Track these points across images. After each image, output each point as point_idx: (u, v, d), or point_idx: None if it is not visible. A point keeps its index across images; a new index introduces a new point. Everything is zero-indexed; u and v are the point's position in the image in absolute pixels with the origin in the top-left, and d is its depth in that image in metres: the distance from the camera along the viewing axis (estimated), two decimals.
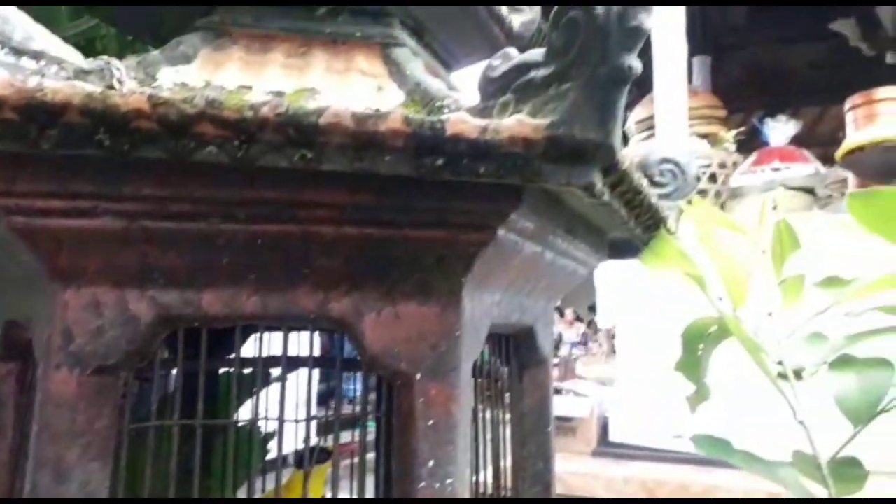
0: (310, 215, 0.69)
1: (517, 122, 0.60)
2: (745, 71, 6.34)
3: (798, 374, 0.90)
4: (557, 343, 9.71)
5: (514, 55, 0.69)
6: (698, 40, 5.02)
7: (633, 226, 0.87)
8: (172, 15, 0.93)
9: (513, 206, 0.68)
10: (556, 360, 9.03)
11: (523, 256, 0.81)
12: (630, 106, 4.39)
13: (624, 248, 1.09)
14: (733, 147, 3.54)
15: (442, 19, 0.99)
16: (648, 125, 3.47)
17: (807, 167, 3.19)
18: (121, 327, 0.70)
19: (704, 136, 3.51)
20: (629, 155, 0.80)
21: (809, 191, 3.24)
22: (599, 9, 0.58)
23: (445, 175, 0.61)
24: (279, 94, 0.78)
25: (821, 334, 0.94)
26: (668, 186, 1.13)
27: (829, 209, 3.35)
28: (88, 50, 1.87)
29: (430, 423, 0.71)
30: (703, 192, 3.30)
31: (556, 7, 0.63)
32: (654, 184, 1.13)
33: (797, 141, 4.85)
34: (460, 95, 0.79)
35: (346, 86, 0.83)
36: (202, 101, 0.58)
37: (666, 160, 1.14)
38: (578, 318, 10.27)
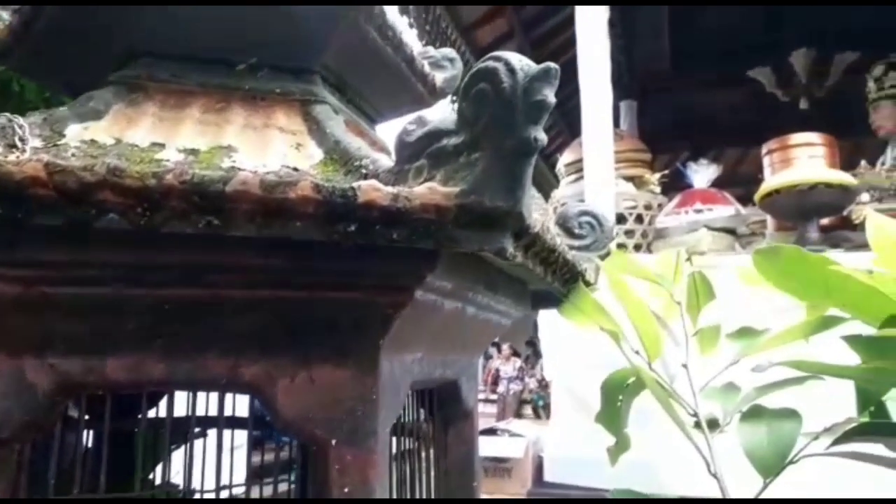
0: (220, 279, 0.67)
1: (429, 190, 0.61)
2: (670, 114, 6.62)
3: (713, 425, 0.92)
4: (495, 379, 9.73)
5: (429, 120, 0.70)
6: (625, 86, 5.22)
7: (550, 280, 0.89)
8: (85, 68, 0.91)
9: (429, 267, 0.68)
10: (494, 397, 9.00)
11: (444, 314, 0.81)
12: (560, 149, 4.52)
13: (546, 300, 1.11)
14: (658, 189, 3.67)
15: (363, 76, 1.00)
16: (577, 168, 3.56)
17: (727, 209, 3.33)
18: (16, 397, 0.66)
19: (631, 178, 3.63)
20: (545, 218, 0.81)
21: (731, 231, 3.38)
22: (506, 83, 0.60)
23: (358, 241, 0.61)
24: (193, 152, 0.77)
25: (734, 385, 0.97)
26: (587, 238, 1.16)
27: (751, 248, 3.50)
28: (3, 92, 1.80)
29: (346, 489, 0.70)
30: (630, 233, 3.40)
31: (465, 78, 0.65)
32: (573, 236, 1.16)
33: (721, 181, 5.06)
34: (379, 155, 0.79)
35: (264, 143, 0.83)
36: (103, 169, 0.56)
37: (584, 213, 1.17)
38: (515, 353, 10.34)
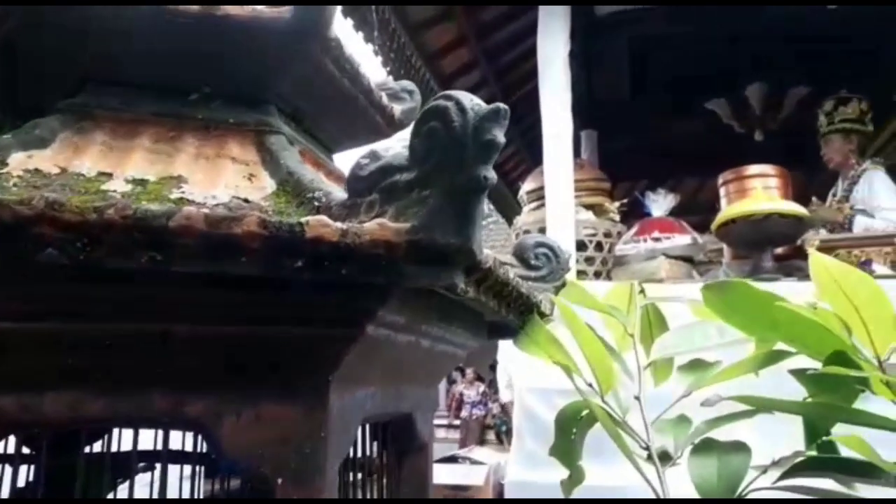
0: (164, 314, 0.66)
1: (379, 226, 0.60)
2: (631, 144, 6.75)
3: (665, 458, 0.93)
4: (459, 404, 9.68)
5: (382, 155, 0.70)
6: (586, 115, 5.31)
7: (504, 313, 0.89)
8: (34, 94, 0.89)
9: (381, 302, 0.68)
10: (457, 422, 8.93)
11: (397, 348, 0.80)
12: (523, 177, 4.57)
13: (502, 330, 1.10)
14: (618, 217, 3.72)
15: (320, 107, 1.00)
16: (539, 195, 3.60)
17: (685, 238, 3.39)
18: None
19: (591, 206, 3.68)
20: (505, 246, 0.82)
21: (688, 259, 3.44)
22: (456, 122, 0.60)
23: (306, 277, 0.60)
24: (141, 182, 0.76)
25: (686, 417, 0.98)
26: (543, 269, 1.17)
27: (709, 275, 3.57)
28: None
29: None
30: (590, 260, 3.44)
31: (418, 115, 0.65)
32: (529, 267, 1.17)
33: (680, 209, 5.16)
34: (333, 188, 0.79)
35: (215, 173, 0.82)
36: (42, 203, 0.55)
37: (541, 245, 1.18)
38: (479, 378, 10.31)
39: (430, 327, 0.85)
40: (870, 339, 0.75)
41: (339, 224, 0.59)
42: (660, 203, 3.55)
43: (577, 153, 5.32)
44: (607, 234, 3.53)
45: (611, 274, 3.48)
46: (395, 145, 0.74)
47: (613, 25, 4.96)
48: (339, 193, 0.75)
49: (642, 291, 1.16)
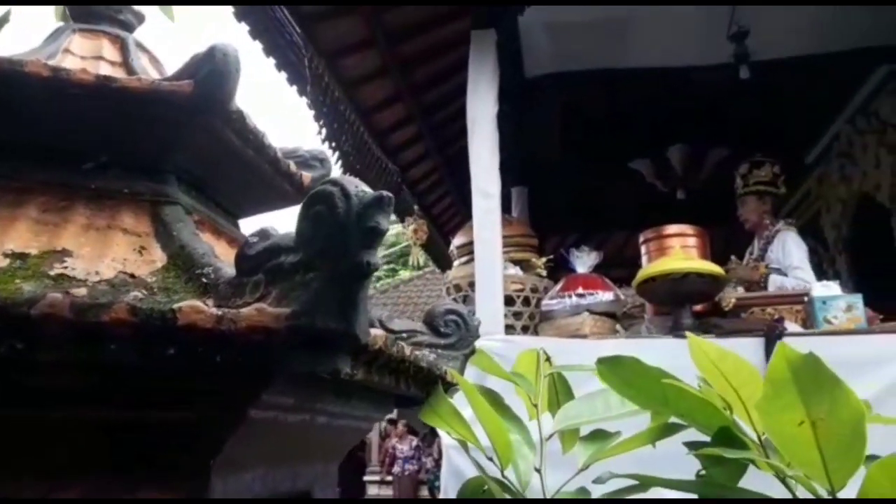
0: (34, 399, 0.63)
1: (257, 312, 0.60)
2: (561, 199, 6.94)
3: None
4: (392, 459, 9.48)
5: (272, 234, 0.70)
6: (518, 172, 5.45)
7: (404, 388, 0.88)
8: None
9: (263, 386, 0.66)
10: (389, 478, 8.73)
11: (288, 428, 0.78)
12: (453, 232, 4.62)
13: (409, 401, 1.10)
14: (545, 272, 3.79)
15: (224, 176, 0.99)
16: (468, 250, 3.64)
17: (608, 294, 3.47)
18: None
19: (519, 261, 3.74)
20: (382, 335, 0.81)
21: (612, 315, 3.52)
22: (340, 206, 0.61)
23: (179, 364, 0.59)
24: (21, 256, 0.73)
25: (585, 489, 0.99)
26: (453, 337, 1.18)
27: (632, 330, 3.65)
28: None
29: None
30: (517, 315, 3.47)
31: (306, 198, 0.66)
32: (439, 334, 1.17)
33: (609, 262, 5.27)
34: (223, 264, 0.78)
35: (104, 245, 0.79)
36: None
37: (450, 312, 1.19)
38: (412, 431, 10.14)
39: (326, 405, 0.84)
40: (749, 418, 0.77)
41: (213, 310, 0.58)
42: (584, 260, 3.63)
43: (507, 209, 5.43)
44: (534, 290, 3.58)
45: (537, 329, 3.52)
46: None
47: (543, 87, 5.14)
48: (229, 270, 0.74)
49: (548, 359, 1.17)
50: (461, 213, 6.52)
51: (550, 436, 1.02)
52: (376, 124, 4.68)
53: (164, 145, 0.89)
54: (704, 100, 5.33)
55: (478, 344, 2.98)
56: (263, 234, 0.70)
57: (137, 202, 0.87)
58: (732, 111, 5.37)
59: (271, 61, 4.06)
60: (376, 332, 0.69)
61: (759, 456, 0.74)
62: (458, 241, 3.92)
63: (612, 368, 0.91)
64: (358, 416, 0.96)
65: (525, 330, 3.53)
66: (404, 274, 16.45)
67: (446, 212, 6.36)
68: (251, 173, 1.01)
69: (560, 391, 1.18)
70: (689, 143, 5.61)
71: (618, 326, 3.66)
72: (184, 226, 0.84)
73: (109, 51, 1.04)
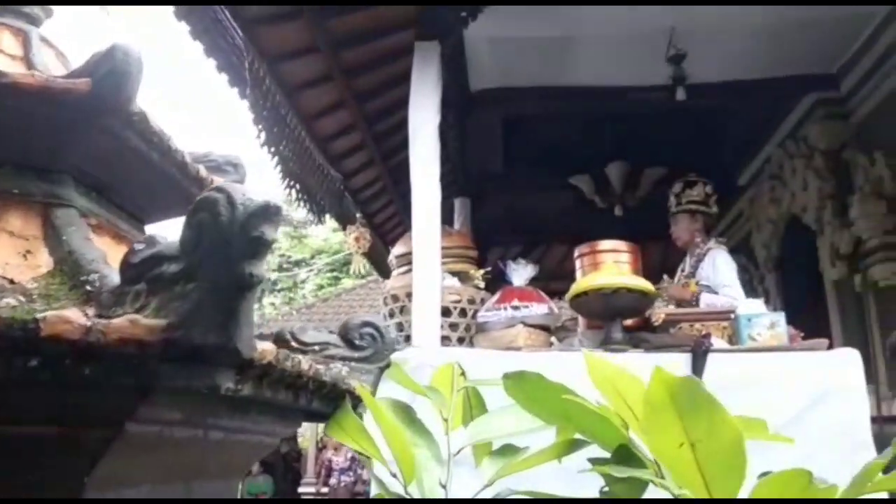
0: None
1: (130, 323, 0.57)
2: (504, 212, 7.02)
3: None
4: (328, 471, 9.34)
5: (159, 241, 0.68)
6: (460, 184, 5.48)
7: (304, 403, 0.86)
8: None
9: (140, 400, 0.63)
10: (325, 490, 8.60)
11: (175, 443, 0.75)
12: (392, 242, 4.60)
13: (321, 415, 1.07)
14: (483, 284, 3.81)
15: (126, 179, 0.95)
16: (407, 260, 3.63)
17: (542, 307, 3.51)
18: None
19: (457, 273, 3.75)
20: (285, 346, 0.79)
21: (546, 328, 3.55)
22: (224, 214, 0.59)
23: (43, 377, 0.56)
24: None
25: None
26: (368, 350, 1.16)
27: (565, 342, 3.69)
28: None
29: None
30: (454, 326, 3.47)
31: (192, 204, 0.63)
32: (353, 347, 1.16)
33: (549, 275, 5.33)
34: (111, 271, 0.74)
35: None
36: None
37: (366, 324, 1.17)
38: None
39: (221, 420, 0.81)
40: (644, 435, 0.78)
41: (82, 320, 0.56)
42: (520, 272, 3.66)
43: (450, 220, 5.45)
44: (471, 301, 3.59)
45: (473, 340, 3.53)
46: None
47: (487, 101, 5.18)
48: (117, 278, 0.71)
49: (463, 373, 1.17)
50: (405, 222, 6.50)
51: (459, 451, 1.01)
52: (319, 130, 4.64)
53: (58, 145, 0.85)
54: (643, 119, 5.47)
55: (412, 355, 2.97)
56: (150, 241, 0.68)
57: (28, 203, 0.83)
58: (669, 131, 5.53)
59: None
60: (265, 346, 0.67)
61: (653, 475, 0.74)
62: (397, 250, 3.90)
63: (516, 383, 0.91)
64: (260, 430, 0.93)
65: (461, 341, 3.54)
66: (347, 283, 16.31)
67: (390, 220, 6.33)
68: (156, 177, 0.97)
69: (474, 405, 1.17)
70: (627, 161, 5.74)
71: (553, 339, 3.70)
72: (75, 230, 0.81)
73: (10, 44, 0.99)
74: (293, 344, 1.07)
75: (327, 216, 5.53)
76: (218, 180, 1.10)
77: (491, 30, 4.41)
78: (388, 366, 1.16)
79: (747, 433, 1.06)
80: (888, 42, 4.48)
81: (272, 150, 4.15)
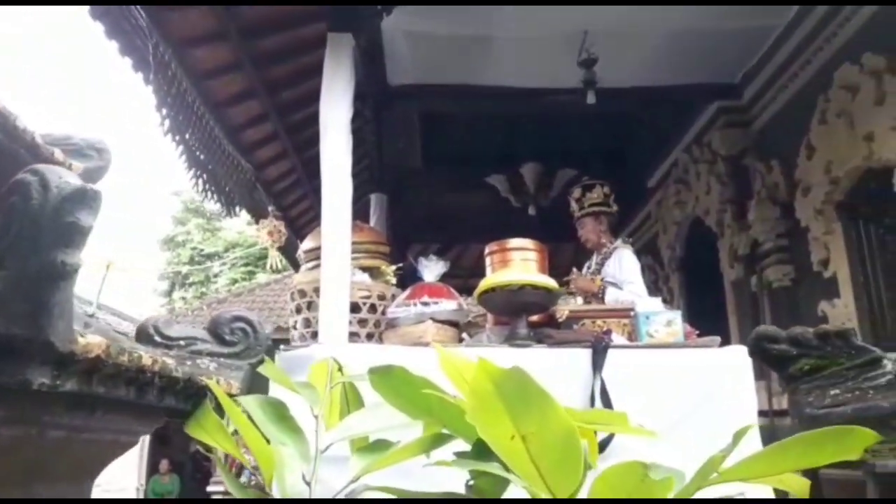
0: None
1: None
2: (424, 209, 7.02)
3: None
4: (238, 469, 9.08)
5: None
6: (377, 180, 5.44)
7: (154, 400, 0.82)
8: None
9: None
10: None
11: (4, 442, 0.70)
12: (302, 236, 4.53)
13: (184, 412, 1.03)
14: (394, 280, 3.79)
15: None
16: (316, 255, 3.56)
17: (451, 303, 3.52)
18: None
19: (368, 268, 3.72)
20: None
21: (455, 324, 3.57)
22: (36, 199, 0.55)
23: None
24: None
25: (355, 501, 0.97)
26: (239, 345, 1.13)
27: (475, 338, 3.72)
28: None
29: None
30: (363, 322, 3.44)
31: (6, 186, 0.59)
32: (223, 342, 1.12)
33: (467, 273, 5.35)
34: None
35: None
36: None
37: (238, 319, 1.14)
38: None
39: (59, 418, 0.76)
40: None
41: None
42: (431, 269, 3.66)
43: (366, 216, 5.40)
44: (381, 297, 3.57)
45: (382, 336, 3.50)
46: None
47: (405, 96, 5.17)
48: None
49: (340, 369, 1.15)
50: (320, 216, 6.41)
51: (327, 447, 1.00)
52: (228, 120, 4.50)
53: None
54: (557, 121, 5.59)
55: (318, 351, 2.91)
56: None
57: None
58: (582, 134, 5.68)
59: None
60: (94, 339, 0.63)
61: (502, 468, 0.75)
62: (306, 245, 3.83)
63: (381, 378, 0.90)
64: (112, 429, 0.89)
65: (370, 337, 3.51)
66: (262, 277, 15.88)
67: (305, 214, 6.22)
68: (3, 159, 0.91)
69: (351, 401, 1.16)
70: (541, 162, 5.85)
71: (464, 335, 3.72)
72: None
73: None
74: (157, 339, 1.03)
75: (239, 209, 5.38)
76: (77, 165, 1.04)
77: (408, 25, 4.40)
78: (260, 362, 1.13)
79: (609, 426, 1.09)
80: (785, 55, 4.74)
81: (177, 138, 3.99)
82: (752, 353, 1.05)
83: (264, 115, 4.72)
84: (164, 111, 3.84)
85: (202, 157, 4.42)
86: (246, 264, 19.78)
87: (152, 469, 8.33)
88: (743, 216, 5.10)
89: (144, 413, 0.93)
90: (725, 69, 5.15)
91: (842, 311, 4.35)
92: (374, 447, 1.04)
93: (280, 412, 1.05)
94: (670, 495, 0.74)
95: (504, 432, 0.61)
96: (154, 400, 0.79)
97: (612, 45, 4.50)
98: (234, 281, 19.49)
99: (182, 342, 1.01)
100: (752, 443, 2.98)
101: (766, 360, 1.04)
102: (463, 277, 6.50)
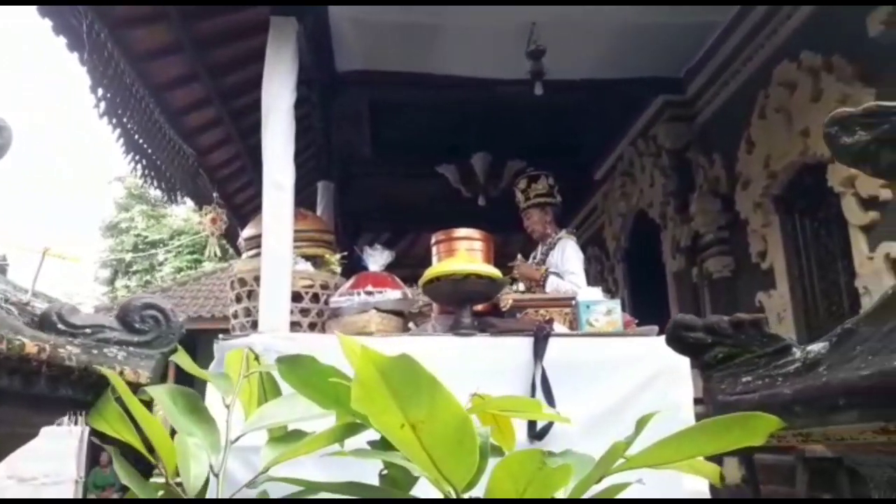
0: None
1: None
2: (374, 199, 6.97)
3: None
4: None
5: None
6: (324, 168, 5.35)
7: (47, 390, 0.79)
8: None
9: None
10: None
11: None
12: (244, 223, 4.44)
13: (81, 403, 0.99)
14: (339, 269, 3.75)
15: None
16: (257, 243, 3.50)
17: (395, 292, 3.50)
18: None
19: (312, 257, 3.67)
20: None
21: (399, 313, 3.55)
22: None
23: None
24: None
25: (265, 492, 0.95)
26: (150, 334, 1.09)
27: (421, 328, 3.71)
28: None
29: None
30: (305, 311, 3.40)
31: None
32: (133, 331, 1.08)
33: (418, 262, 5.31)
34: None
35: None
36: None
37: (148, 307, 1.10)
38: None
39: None
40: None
41: None
42: (376, 258, 3.63)
43: (313, 205, 5.32)
44: (325, 286, 3.52)
45: (325, 326, 3.47)
46: None
47: (354, 82, 5.10)
48: None
49: (257, 358, 1.12)
50: (254, 206, 6.31)
51: (237, 438, 0.97)
52: (169, 103, 4.37)
53: None
54: (506, 112, 5.60)
55: (259, 340, 2.85)
56: None
57: None
58: (531, 126, 5.70)
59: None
60: None
61: (402, 457, 0.74)
62: (247, 232, 3.76)
63: (290, 368, 0.89)
64: (7, 421, 0.84)
65: (312, 327, 3.47)
66: (208, 266, 15.50)
67: (251, 202, 6.10)
68: None
69: (268, 391, 1.13)
70: (491, 152, 5.86)
71: (411, 324, 3.71)
72: None
73: None
74: (60, 326, 0.98)
75: (182, 195, 5.25)
76: None
77: (356, 11, 4.34)
78: (173, 351, 1.09)
79: (523, 413, 1.09)
80: (728, 51, 4.84)
81: (113, 121, 3.86)
82: (669, 342, 1.06)
83: (207, 99, 4.60)
84: (100, 92, 3.71)
85: (142, 141, 4.29)
86: (192, 252, 19.30)
87: (93, 461, 8.10)
88: (685, 209, 5.21)
89: (39, 404, 0.89)
90: (671, 64, 5.23)
91: (777, 302, 4.48)
92: (288, 438, 1.02)
93: (192, 403, 1.02)
94: (571, 483, 0.74)
95: (394, 421, 0.60)
96: (46, 390, 0.75)
97: (560, 37, 4.52)
98: (180, 269, 18.98)
99: (88, 330, 0.97)
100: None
101: (683, 348, 1.06)
102: (413, 267, 6.47)
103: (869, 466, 1.00)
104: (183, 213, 19.17)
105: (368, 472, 0.98)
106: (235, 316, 3.47)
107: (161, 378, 1.09)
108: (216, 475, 0.92)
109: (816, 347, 1.02)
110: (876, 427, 0.75)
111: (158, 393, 0.96)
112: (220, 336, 3.20)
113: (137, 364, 1.02)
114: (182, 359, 1.06)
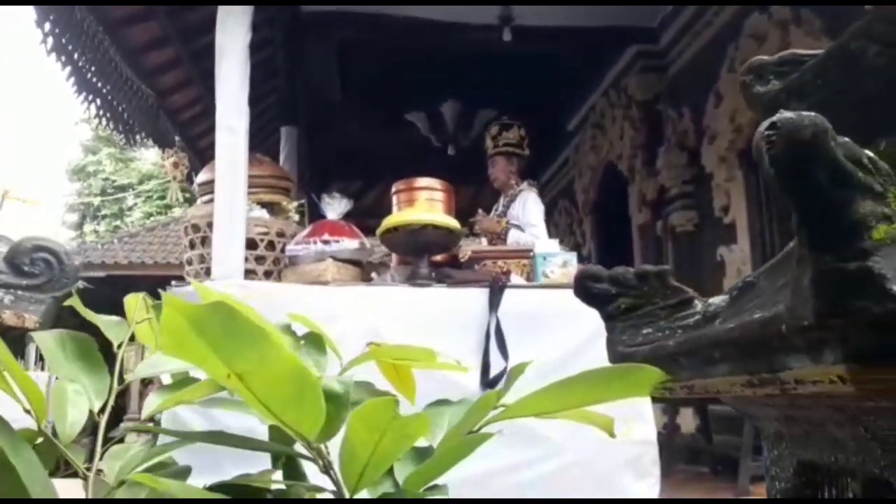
0: None
1: None
2: (344, 145, 6.85)
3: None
4: None
5: None
6: (288, 112, 5.22)
7: None
8: None
9: None
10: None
11: None
12: (198, 168, 4.36)
13: None
14: (297, 217, 3.70)
15: None
16: (210, 189, 3.43)
17: (353, 242, 3.47)
18: None
19: (269, 204, 3.61)
20: None
21: (356, 263, 3.53)
22: None
23: None
24: None
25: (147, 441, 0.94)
26: (41, 277, 1.06)
27: (379, 279, 3.70)
28: None
29: None
30: (260, 259, 3.36)
31: None
32: (22, 274, 1.05)
33: (385, 212, 5.27)
34: None
35: None
36: None
37: (40, 249, 1.06)
38: None
39: None
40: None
41: None
42: (334, 206, 3.58)
43: (276, 152, 5.22)
44: (280, 234, 3.48)
45: (281, 274, 3.44)
46: None
47: (320, 24, 4.96)
48: None
49: (154, 306, 1.10)
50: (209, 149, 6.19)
51: (126, 383, 0.95)
52: (125, 41, 4.21)
53: None
54: (478, 60, 5.48)
55: (212, 286, 2.83)
56: None
57: None
58: (503, 75, 5.59)
59: None
60: None
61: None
62: (201, 177, 3.68)
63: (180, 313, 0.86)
64: None
65: (268, 275, 3.43)
66: (178, 211, 15.26)
67: (209, 149, 5.98)
68: None
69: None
70: (461, 101, 5.76)
71: (373, 274, 3.70)
72: None
73: None
74: None
75: (143, 137, 5.12)
76: None
77: None
78: (67, 295, 1.06)
79: (416, 362, 1.08)
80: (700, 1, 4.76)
81: (62, 58, 3.72)
82: (576, 292, 1.05)
83: (166, 37, 4.44)
84: (47, 27, 3.56)
85: (95, 80, 4.15)
86: (162, 198, 18.93)
87: None
88: (653, 162, 5.20)
89: None
90: (644, 13, 5.13)
91: (738, 256, 4.53)
92: (178, 385, 1.01)
93: (84, 348, 1.00)
94: (439, 433, 0.74)
95: (218, 371, 0.58)
96: None
97: None
98: (150, 214, 18.60)
99: None
100: None
101: (588, 298, 1.05)
102: (383, 216, 6.43)
103: (759, 420, 1.00)
104: (152, 156, 18.78)
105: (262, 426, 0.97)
106: (190, 262, 3.42)
107: (55, 322, 1.06)
108: (97, 419, 0.91)
109: (717, 300, 1.01)
110: (743, 381, 0.75)
111: (44, 338, 0.94)
112: (173, 283, 3.17)
113: (26, 308, 0.99)
114: (76, 303, 1.03)
